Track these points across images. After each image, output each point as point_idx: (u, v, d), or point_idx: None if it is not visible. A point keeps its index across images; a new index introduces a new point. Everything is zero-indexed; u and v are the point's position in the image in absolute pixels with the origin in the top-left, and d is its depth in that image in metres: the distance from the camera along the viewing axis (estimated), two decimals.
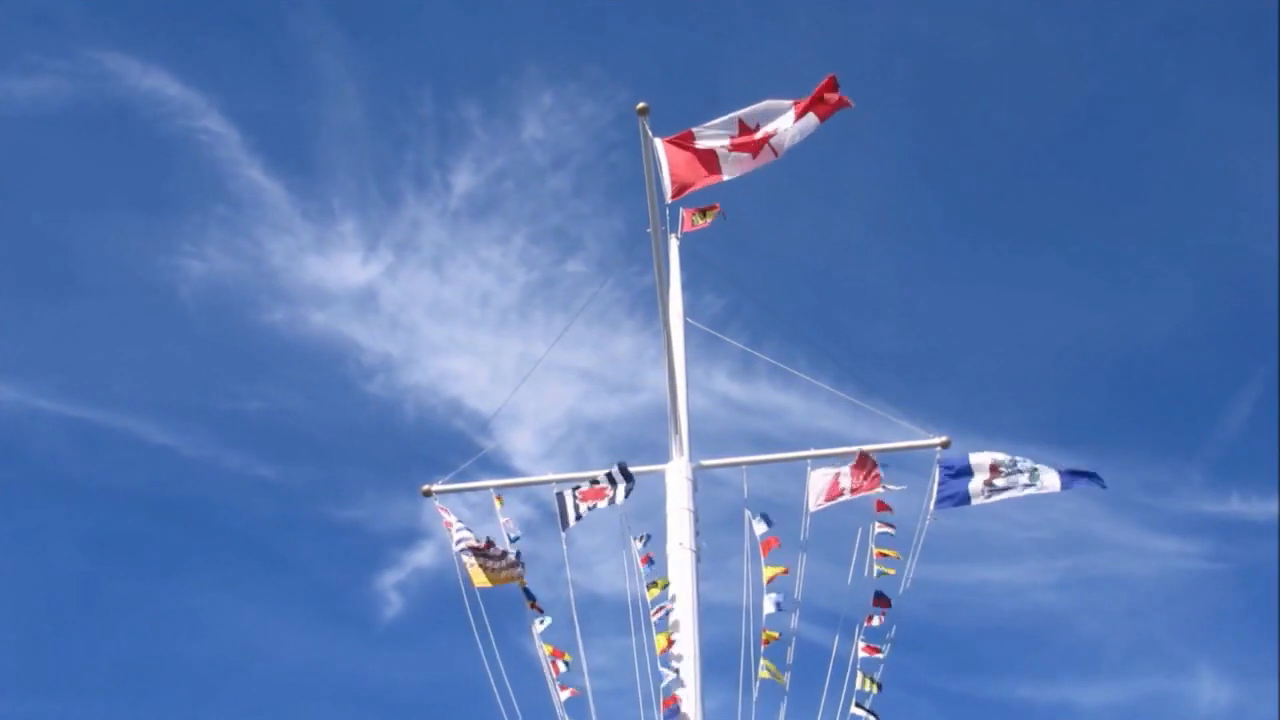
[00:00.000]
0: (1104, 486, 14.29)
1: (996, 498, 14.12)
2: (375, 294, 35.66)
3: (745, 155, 12.40)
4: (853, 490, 14.11)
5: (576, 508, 14.41)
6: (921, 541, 13.77)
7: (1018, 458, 14.24)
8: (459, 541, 14.41)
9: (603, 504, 14.34)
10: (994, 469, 14.15)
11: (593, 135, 36.27)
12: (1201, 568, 33.69)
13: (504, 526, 14.79)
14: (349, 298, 35.71)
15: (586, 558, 15.56)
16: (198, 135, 34.42)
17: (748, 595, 13.71)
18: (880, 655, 13.39)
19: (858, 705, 13.13)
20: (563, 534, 14.36)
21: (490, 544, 14.30)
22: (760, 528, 14.12)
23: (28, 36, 34.31)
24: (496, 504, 15.10)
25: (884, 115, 37.52)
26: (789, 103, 12.38)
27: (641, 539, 14.26)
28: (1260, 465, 33.55)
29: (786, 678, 13.21)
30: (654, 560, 14.09)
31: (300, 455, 36.33)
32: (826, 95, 12.26)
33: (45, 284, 35.98)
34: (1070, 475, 14.15)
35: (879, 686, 13.29)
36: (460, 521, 14.75)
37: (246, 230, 34.90)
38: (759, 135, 12.34)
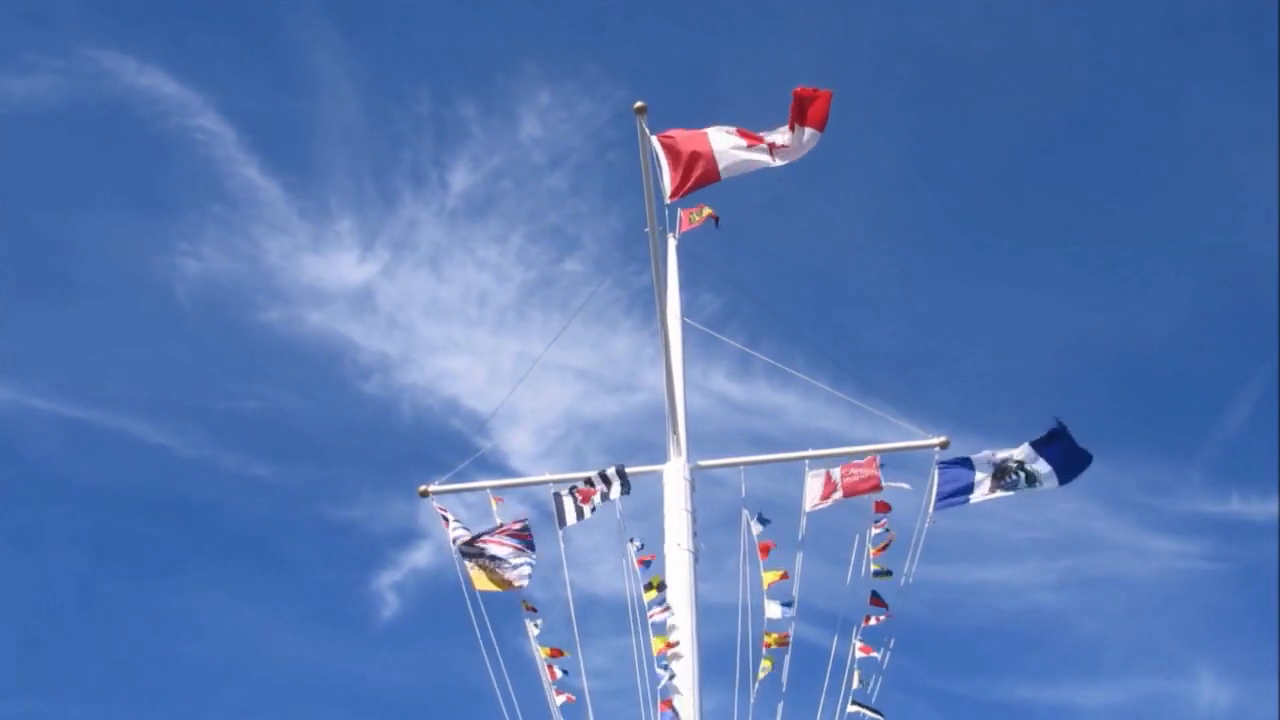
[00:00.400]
0: (1089, 459, 14.09)
1: (998, 494, 14.05)
2: (372, 293, 35.67)
3: (740, 143, 12.36)
4: (847, 490, 14.06)
5: (577, 508, 14.37)
6: (921, 543, 13.75)
7: (1009, 461, 14.11)
8: (456, 540, 14.38)
9: (596, 499, 14.33)
10: (995, 476, 14.06)
11: (590, 134, 36.27)
12: (1201, 568, 33.68)
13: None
14: (346, 297, 35.71)
15: (584, 558, 15.53)
16: (194, 134, 34.43)
17: (745, 595, 13.70)
18: (876, 655, 13.34)
19: (857, 703, 13.09)
20: (560, 534, 14.35)
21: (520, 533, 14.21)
22: (756, 529, 14.07)
23: (24, 35, 34.32)
24: (493, 505, 15.06)
25: (883, 114, 37.65)
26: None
27: (637, 544, 14.17)
28: (1260, 465, 33.53)
29: (785, 663, 13.24)
30: (652, 561, 14.04)
31: (297, 455, 36.34)
32: (806, 102, 12.24)
33: (41, 283, 35.98)
34: (1057, 458, 14.01)
35: (875, 686, 13.29)
36: (458, 521, 14.72)
37: (243, 229, 34.90)
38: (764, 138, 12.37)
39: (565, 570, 14.21)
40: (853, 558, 13.83)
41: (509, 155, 36.50)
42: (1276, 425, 31.71)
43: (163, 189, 36.36)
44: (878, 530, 13.95)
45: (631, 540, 14.21)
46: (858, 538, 13.93)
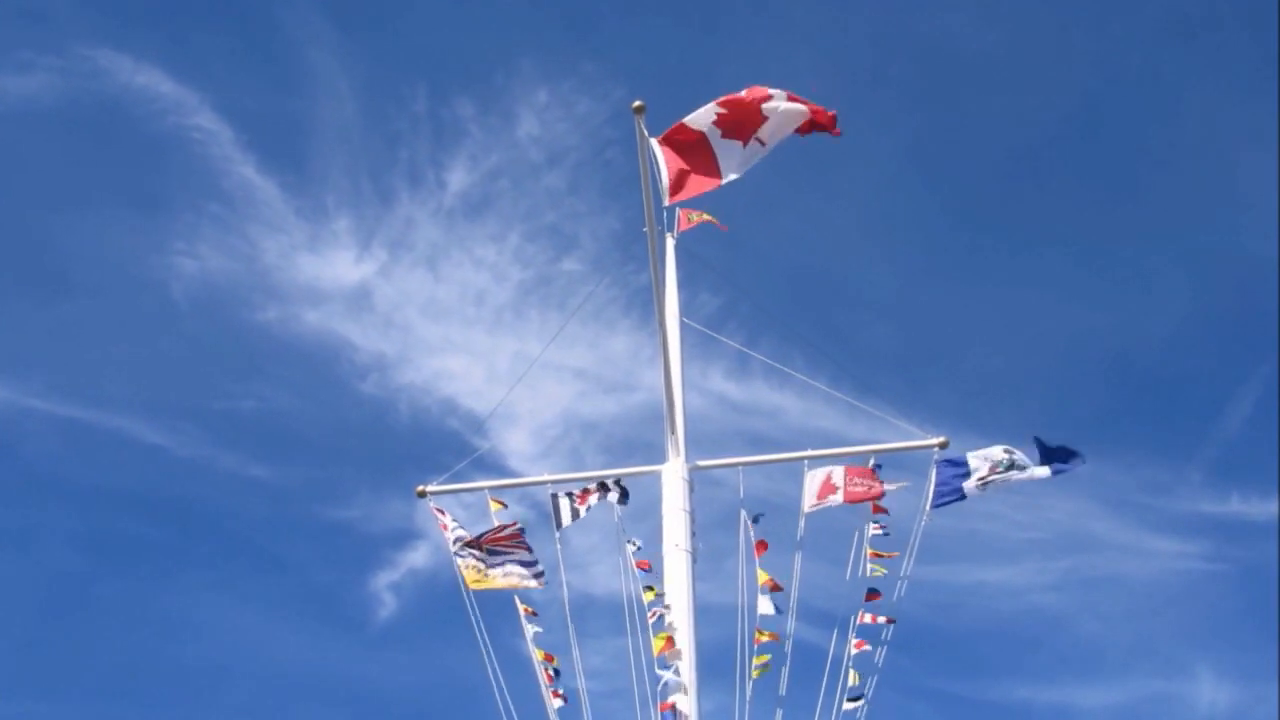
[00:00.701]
0: (1084, 461, 14.19)
1: (994, 481, 14.07)
2: (369, 292, 35.67)
3: (736, 143, 12.31)
4: (848, 497, 14.07)
5: (573, 509, 14.34)
6: (918, 543, 13.75)
7: (1013, 454, 14.20)
8: (456, 541, 14.33)
9: (594, 500, 14.33)
10: (991, 469, 14.13)
11: (588, 133, 36.25)
12: (1201, 568, 33.69)
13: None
14: (343, 296, 35.70)
15: (581, 558, 15.50)
16: (190, 133, 34.42)
17: (743, 596, 13.68)
18: (870, 650, 13.37)
19: (851, 700, 13.10)
20: (557, 534, 14.33)
21: (519, 535, 14.18)
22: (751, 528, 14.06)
23: (20, 33, 34.30)
24: (493, 507, 15.00)
25: (882, 113, 37.64)
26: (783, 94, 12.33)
27: (635, 545, 14.14)
28: (1260, 465, 33.54)
29: (784, 672, 13.23)
30: (651, 562, 14.02)
31: (294, 455, 36.33)
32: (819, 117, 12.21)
33: (37, 282, 35.97)
34: (1055, 459, 14.10)
35: (871, 685, 13.31)
36: (456, 522, 14.68)
37: (239, 228, 34.88)
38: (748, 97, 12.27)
39: (562, 571, 14.21)
40: (851, 557, 13.85)
41: (506, 154, 36.53)
42: (1276, 425, 31.73)
43: (159, 188, 36.43)
44: (876, 531, 13.95)
45: (630, 541, 14.20)
46: (856, 533, 13.97)
